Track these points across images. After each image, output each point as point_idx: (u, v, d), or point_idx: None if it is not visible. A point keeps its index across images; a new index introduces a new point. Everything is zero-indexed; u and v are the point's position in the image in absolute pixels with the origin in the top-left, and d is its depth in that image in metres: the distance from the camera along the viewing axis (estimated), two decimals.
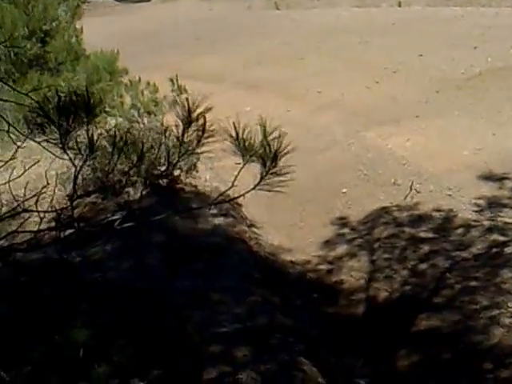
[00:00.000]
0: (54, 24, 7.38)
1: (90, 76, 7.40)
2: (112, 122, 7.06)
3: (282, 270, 6.40)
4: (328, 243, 6.79)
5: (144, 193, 6.28)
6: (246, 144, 3.03)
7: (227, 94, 11.77)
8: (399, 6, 17.26)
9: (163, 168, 6.41)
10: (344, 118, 10.09)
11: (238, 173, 3.16)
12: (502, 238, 5.99)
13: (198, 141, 3.17)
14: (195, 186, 7.05)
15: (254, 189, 3.13)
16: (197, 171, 6.92)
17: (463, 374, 4.78)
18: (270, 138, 3.03)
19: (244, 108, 10.64)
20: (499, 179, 7.10)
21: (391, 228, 6.69)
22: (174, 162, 4.19)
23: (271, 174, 3.07)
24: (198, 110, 3.18)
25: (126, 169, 5.90)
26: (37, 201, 3.43)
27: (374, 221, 6.93)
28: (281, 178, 3.07)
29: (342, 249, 6.64)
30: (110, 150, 4.72)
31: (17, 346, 3.96)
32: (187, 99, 3.16)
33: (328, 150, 9.03)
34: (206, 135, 3.20)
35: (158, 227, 5.63)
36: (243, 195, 3.37)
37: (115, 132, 4.46)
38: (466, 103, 9.58)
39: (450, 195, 7.03)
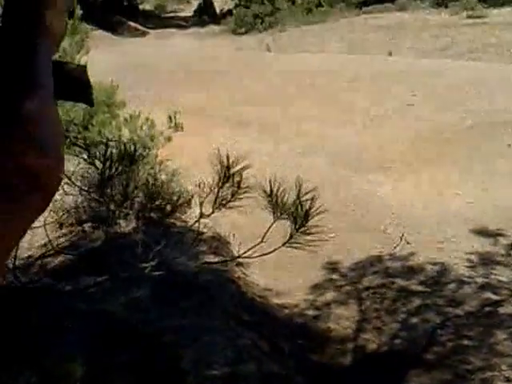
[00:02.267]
0: (58, 56, 7.27)
1: (88, 108, 7.29)
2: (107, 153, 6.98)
3: (270, 312, 6.27)
4: (316, 288, 6.67)
5: (136, 225, 6.18)
6: (279, 201, 3.05)
7: (214, 129, 11.74)
8: (390, 55, 17.38)
9: (157, 202, 6.34)
10: (332, 162, 10.06)
11: (268, 229, 3.14)
12: (495, 297, 5.91)
13: (232, 195, 3.24)
14: (185, 222, 6.94)
15: (283, 245, 3.14)
16: (190, 207, 6.81)
17: None
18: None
19: (231, 145, 10.61)
20: (492, 235, 7.06)
21: (381, 278, 6.60)
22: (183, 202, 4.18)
23: (300, 232, 3.08)
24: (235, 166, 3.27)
25: (120, 200, 5.80)
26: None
27: (363, 268, 6.84)
28: (309, 238, 3.08)
29: (330, 295, 6.53)
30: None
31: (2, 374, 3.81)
32: (227, 156, 3.26)
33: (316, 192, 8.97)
34: (240, 191, 3.27)
35: (150, 261, 5.49)
36: (272, 252, 3.35)
37: (111, 165, 4.38)
38: (457, 155, 9.59)
39: (441, 248, 6.97)
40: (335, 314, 6.24)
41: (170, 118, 7.74)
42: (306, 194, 3.18)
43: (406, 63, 16.33)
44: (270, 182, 3.10)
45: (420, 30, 20.44)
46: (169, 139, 7.44)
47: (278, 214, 3.14)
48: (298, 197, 3.10)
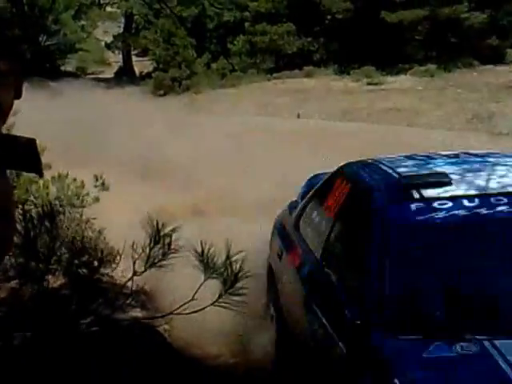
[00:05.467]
0: None
1: None
2: (34, 210, 6.85)
3: (195, 364, 6.19)
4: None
5: (64, 281, 6.05)
6: (210, 262, 3.12)
7: (134, 187, 11.62)
8: (298, 117, 17.76)
9: (84, 258, 6.22)
10: (248, 219, 10.11)
11: (199, 288, 3.18)
12: None
13: (164, 254, 3.31)
14: (112, 277, 6.81)
15: (212, 304, 3.19)
16: (116, 263, 6.70)
17: None
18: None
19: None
20: None
21: None
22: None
23: (229, 293, 3.14)
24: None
25: (46, 257, 5.67)
26: None
27: None
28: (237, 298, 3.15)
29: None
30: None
31: None
32: (157, 221, 3.38)
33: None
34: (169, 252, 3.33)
35: (79, 316, 5.37)
36: (201, 310, 3.38)
37: (38, 223, 4.31)
38: None
39: None
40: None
41: (96, 177, 7.67)
42: (236, 254, 3.22)
43: (314, 125, 16.69)
44: (201, 242, 3.15)
45: (325, 95, 20.97)
46: (96, 199, 7.36)
47: (209, 274, 3.19)
48: (228, 258, 3.15)
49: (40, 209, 3.93)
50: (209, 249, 3.21)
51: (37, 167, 1.19)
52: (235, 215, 9.77)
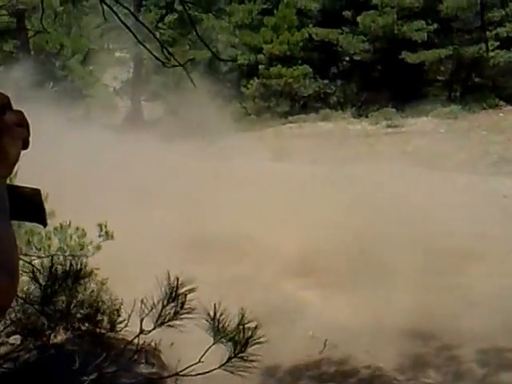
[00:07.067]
0: None
1: None
2: (35, 261, 6.90)
3: None
4: None
5: (66, 336, 6.10)
6: (220, 326, 3.17)
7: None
8: (314, 163, 17.79)
9: (87, 313, 6.27)
10: (260, 264, 10.15)
11: (206, 351, 3.24)
12: None
13: (176, 313, 3.36)
14: (116, 331, 6.84)
15: (219, 368, 3.24)
16: (119, 315, 6.74)
17: None
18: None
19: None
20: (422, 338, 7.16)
21: (316, 382, 6.62)
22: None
23: (239, 357, 3.18)
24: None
25: (50, 311, 5.73)
26: None
27: (299, 373, 6.84)
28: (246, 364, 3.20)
29: None
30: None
31: None
32: (177, 279, 3.42)
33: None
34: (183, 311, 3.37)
35: (83, 372, 5.39)
36: (209, 372, 3.44)
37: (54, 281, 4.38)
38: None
39: (368, 352, 7.04)
40: None
41: (100, 226, 7.71)
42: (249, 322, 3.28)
43: (330, 171, 16.67)
44: (214, 305, 3.22)
45: (342, 139, 21.07)
46: (98, 248, 7.40)
47: (219, 338, 3.25)
48: (241, 324, 3.22)
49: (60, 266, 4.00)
50: (221, 313, 3.28)
51: (41, 217, 1.26)
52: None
